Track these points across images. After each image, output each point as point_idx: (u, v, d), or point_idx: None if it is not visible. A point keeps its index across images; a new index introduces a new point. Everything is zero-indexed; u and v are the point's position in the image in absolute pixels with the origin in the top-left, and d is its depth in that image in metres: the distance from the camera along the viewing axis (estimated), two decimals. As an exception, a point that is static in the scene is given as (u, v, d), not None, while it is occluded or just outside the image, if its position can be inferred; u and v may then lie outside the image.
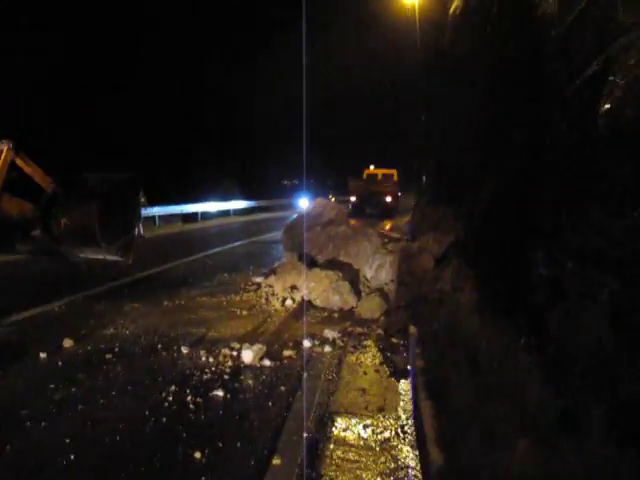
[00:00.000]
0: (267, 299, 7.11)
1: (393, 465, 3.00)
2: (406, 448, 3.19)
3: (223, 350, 4.87)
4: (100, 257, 6.19)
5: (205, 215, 25.67)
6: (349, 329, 5.76)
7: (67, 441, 3.17)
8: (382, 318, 6.12)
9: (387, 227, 18.53)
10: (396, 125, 46.09)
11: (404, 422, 3.56)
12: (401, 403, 3.89)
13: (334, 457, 3.05)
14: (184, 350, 4.90)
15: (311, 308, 6.69)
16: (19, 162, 5.54)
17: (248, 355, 4.63)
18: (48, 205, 5.90)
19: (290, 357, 4.80)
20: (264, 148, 42.30)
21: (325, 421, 3.52)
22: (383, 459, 3.06)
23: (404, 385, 4.24)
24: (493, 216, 5.96)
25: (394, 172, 28.70)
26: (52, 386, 4.03)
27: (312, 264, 8.17)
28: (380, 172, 28.77)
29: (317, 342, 5.23)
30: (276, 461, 2.98)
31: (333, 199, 22.39)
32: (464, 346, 4.16)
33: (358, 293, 7.00)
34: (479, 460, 2.52)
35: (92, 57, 27.34)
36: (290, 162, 38.03)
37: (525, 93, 5.26)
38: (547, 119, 4.28)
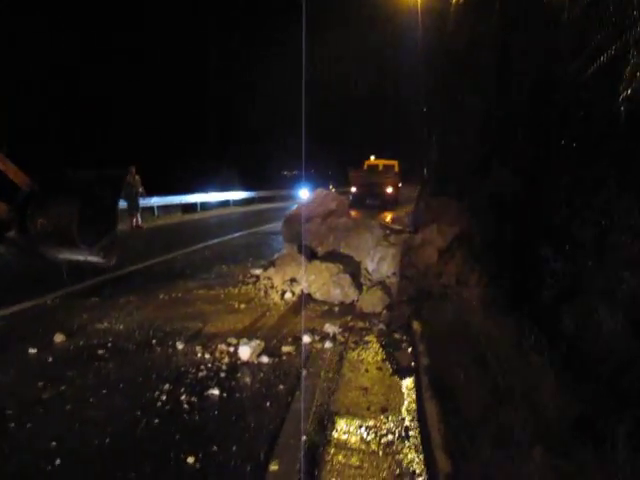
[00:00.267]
0: (266, 292, 6.94)
1: (398, 471, 2.83)
2: (411, 453, 3.03)
3: (220, 346, 4.70)
4: (81, 258, 5.98)
5: (204, 205, 25.49)
6: (350, 324, 5.59)
7: (53, 444, 3.00)
8: (384, 312, 5.94)
9: (388, 218, 18.33)
10: (398, 116, 45.70)
11: (408, 424, 3.39)
12: (405, 403, 3.72)
13: (335, 463, 2.88)
14: (179, 346, 4.73)
15: (311, 301, 6.52)
16: None
17: (245, 351, 4.46)
18: (24, 205, 5.65)
19: (289, 353, 4.63)
20: (264, 138, 41.97)
21: (325, 423, 3.35)
22: (387, 465, 2.89)
23: (408, 383, 4.07)
24: (499, 208, 5.77)
25: (395, 163, 28.44)
26: (40, 384, 3.86)
27: (312, 256, 7.99)
28: (381, 163, 28.52)
29: (317, 337, 5.06)
30: (273, 467, 2.81)
31: (333, 190, 22.18)
32: (470, 344, 3.99)
33: (359, 286, 6.82)
34: (491, 470, 2.35)
35: (91, 40, 26.99)
36: (290, 152, 37.78)
37: (534, 82, 5.06)
38: (559, 106, 4.08)
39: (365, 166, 28.11)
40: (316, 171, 44.88)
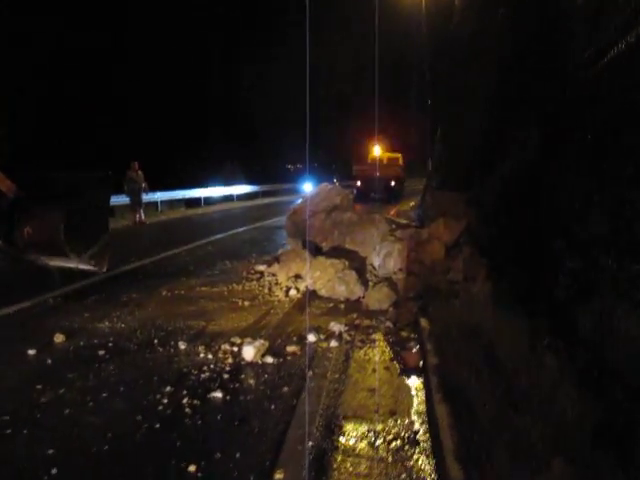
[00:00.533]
0: (270, 289, 6.83)
1: (408, 479, 2.72)
2: (422, 459, 2.90)
3: (223, 346, 4.59)
4: (72, 266, 5.85)
5: (208, 200, 25.38)
6: (356, 321, 5.47)
7: (50, 452, 2.90)
8: (391, 309, 5.81)
9: (392, 212, 18.18)
10: (404, 108, 45.34)
11: (418, 428, 3.27)
12: (414, 405, 3.60)
13: (342, 471, 2.77)
14: (182, 346, 4.62)
15: (316, 298, 6.40)
16: None
17: (249, 351, 4.34)
18: (10, 212, 5.51)
19: (294, 353, 4.51)
20: (268, 132, 41.70)
21: (332, 428, 3.23)
22: (396, 472, 2.77)
23: (416, 384, 3.95)
24: (509, 202, 5.63)
25: (399, 156, 28.26)
26: (39, 387, 3.77)
27: (316, 251, 7.88)
28: (385, 156, 28.32)
29: (322, 336, 4.94)
30: (278, 475, 2.70)
31: (338, 184, 22.05)
32: (481, 343, 3.87)
33: (365, 283, 6.69)
34: (507, 481, 2.23)
35: (93, 33, 26.74)
36: (294, 146, 37.60)
37: (546, 68, 4.91)
38: (573, 94, 3.93)
39: (369, 159, 27.91)
40: (320, 165, 44.72)
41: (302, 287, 6.71)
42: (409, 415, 3.45)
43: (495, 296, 4.88)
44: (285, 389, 3.78)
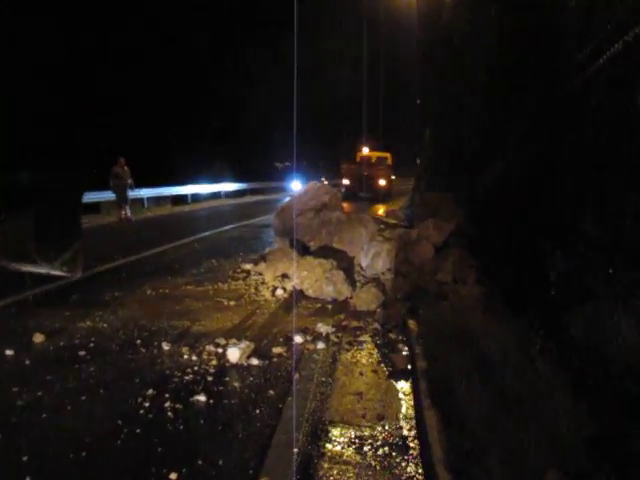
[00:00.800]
0: (256, 288, 6.72)
1: (396, 488, 2.64)
2: (410, 467, 2.83)
3: (207, 347, 4.49)
4: (43, 272, 5.65)
5: (195, 197, 25.19)
6: (344, 323, 5.39)
7: (24, 459, 2.77)
8: (379, 311, 5.74)
9: (380, 212, 18.14)
10: (393, 107, 45.40)
11: (406, 433, 3.20)
12: (402, 410, 3.53)
13: (329, 479, 2.68)
14: (165, 347, 4.51)
15: (303, 299, 6.31)
16: None
17: (234, 353, 4.24)
18: None
19: (280, 355, 4.42)
20: (255, 129, 41.48)
21: (319, 433, 3.15)
22: (384, 480, 2.70)
23: (405, 388, 3.87)
24: (499, 202, 5.58)
25: (388, 155, 28.25)
26: (16, 389, 3.63)
27: (304, 251, 7.78)
28: (374, 155, 28.29)
29: (309, 337, 4.85)
30: (263, 484, 2.61)
31: (326, 182, 21.96)
32: (470, 346, 3.80)
33: (353, 283, 6.61)
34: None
35: (82, 33, 26.41)
36: (282, 144, 37.40)
37: (538, 71, 4.85)
38: (566, 97, 3.88)
39: (358, 158, 27.86)
40: (308, 163, 44.53)
41: (289, 287, 6.62)
42: (397, 420, 3.37)
43: (485, 298, 4.83)
44: (271, 392, 3.69)
